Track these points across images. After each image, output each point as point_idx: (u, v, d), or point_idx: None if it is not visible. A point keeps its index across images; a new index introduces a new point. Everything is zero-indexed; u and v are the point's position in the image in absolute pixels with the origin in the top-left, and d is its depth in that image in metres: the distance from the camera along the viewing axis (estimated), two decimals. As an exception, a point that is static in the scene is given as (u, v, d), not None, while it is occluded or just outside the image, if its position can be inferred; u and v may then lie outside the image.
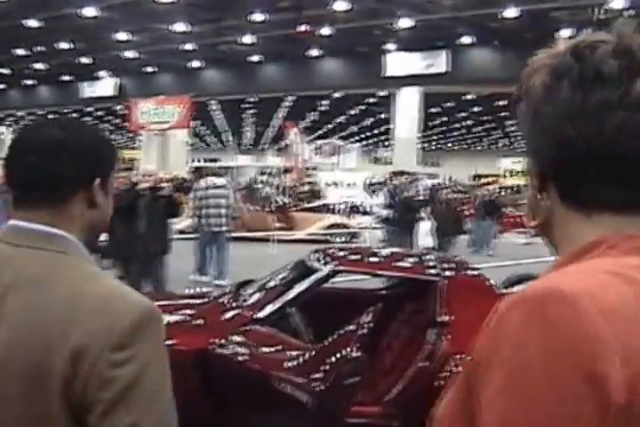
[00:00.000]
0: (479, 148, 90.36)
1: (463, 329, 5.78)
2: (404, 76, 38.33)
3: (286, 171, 39.31)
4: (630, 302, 0.97)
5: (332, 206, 29.68)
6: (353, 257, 6.79)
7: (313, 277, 6.28)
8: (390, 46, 38.13)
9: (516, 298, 0.99)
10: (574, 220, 1.14)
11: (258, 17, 31.98)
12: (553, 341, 0.93)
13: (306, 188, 33.87)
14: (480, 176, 61.39)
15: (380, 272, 6.83)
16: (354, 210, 31.60)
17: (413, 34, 34.68)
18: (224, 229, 13.89)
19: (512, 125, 68.52)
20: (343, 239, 22.86)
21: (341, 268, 6.42)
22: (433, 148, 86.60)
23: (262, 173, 39.99)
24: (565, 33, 31.03)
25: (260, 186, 34.03)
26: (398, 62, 38.38)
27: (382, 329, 6.54)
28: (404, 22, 32.77)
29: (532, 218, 1.21)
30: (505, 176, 53.15)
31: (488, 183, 34.14)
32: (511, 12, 28.50)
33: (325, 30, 34.41)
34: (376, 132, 74.05)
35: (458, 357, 5.58)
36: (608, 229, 1.11)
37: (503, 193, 34.97)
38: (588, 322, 0.93)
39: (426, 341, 5.85)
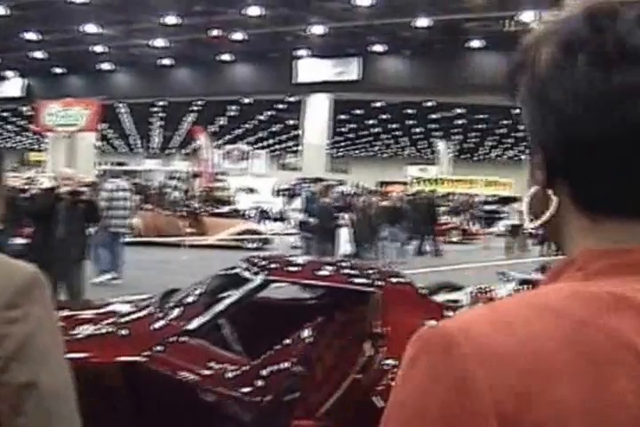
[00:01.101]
0: (386, 155, 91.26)
1: (399, 340, 5.71)
2: (315, 83, 38.38)
3: (195, 175, 39.06)
4: (533, 344, 0.84)
5: (243, 212, 29.57)
6: (285, 267, 6.64)
7: (245, 288, 6.11)
8: (302, 53, 38.16)
9: (413, 338, 0.89)
10: (578, 225, 0.97)
11: (170, 20, 31.62)
12: (420, 389, 0.85)
13: (214, 193, 33.65)
14: (386, 183, 61.93)
15: (314, 282, 6.70)
16: (264, 216, 31.53)
17: (326, 41, 34.77)
18: (123, 230, 14.33)
19: (419, 133, 69.54)
20: (255, 245, 22.73)
21: (273, 278, 6.28)
22: (341, 154, 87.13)
23: (171, 178, 39.55)
24: (476, 44, 31.55)
25: (169, 190, 33.68)
26: (310, 69, 38.43)
27: (313, 340, 6.42)
28: (317, 29, 32.83)
29: (532, 219, 1.01)
30: (412, 183, 53.70)
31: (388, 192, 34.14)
32: (423, 22, 28.76)
33: (237, 35, 34.23)
34: (284, 138, 74.18)
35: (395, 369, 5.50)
36: (606, 240, 0.94)
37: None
38: (459, 369, 0.84)
39: (361, 353, 5.74)
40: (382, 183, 63.47)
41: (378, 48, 35.37)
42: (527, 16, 26.75)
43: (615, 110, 0.88)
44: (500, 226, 33.61)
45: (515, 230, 26.91)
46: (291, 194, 38.75)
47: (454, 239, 29.15)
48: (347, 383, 5.61)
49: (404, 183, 54.48)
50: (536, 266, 14.01)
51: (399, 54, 35.61)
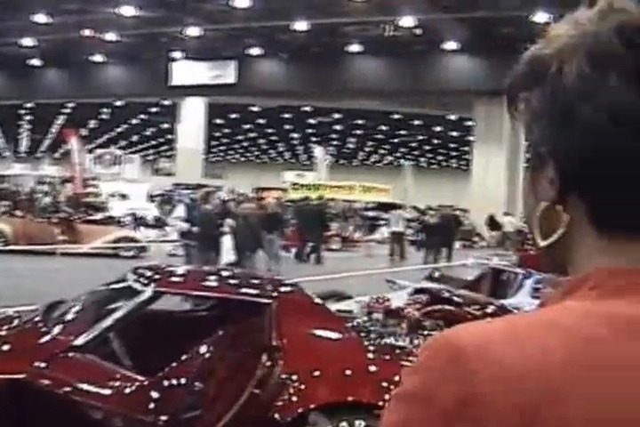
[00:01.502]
0: (263, 160, 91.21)
1: (297, 353, 5.51)
2: (190, 86, 37.92)
3: (66, 180, 38.11)
4: (542, 361, 0.83)
5: (118, 219, 28.98)
6: (177, 278, 6.35)
7: (135, 300, 5.79)
8: (177, 55, 37.62)
9: (423, 346, 0.90)
10: (591, 243, 0.94)
11: (40, 18, 30.64)
12: (419, 394, 0.85)
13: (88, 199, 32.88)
14: (263, 189, 61.84)
15: (208, 294, 6.44)
16: (140, 222, 30.96)
17: (202, 43, 34.38)
18: None
19: (296, 138, 69.70)
20: (131, 253, 22.26)
21: (165, 289, 5.98)
22: (217, 159, 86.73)
23: (41, 183, 38.48)
24: (355, 48, 31.59)
25: (39, 196, 32.74)
26: (185, 71, 37.95)
27: (208, 355, 6.15)
28: (193, 30, 32.39)
29: (541, 237, 0.97)
30: (289, 189, 53.70)
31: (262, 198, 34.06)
32: (301, 26, 28.67)
33: (110, 35, 33.49)
34: (158, 142, 73.32)
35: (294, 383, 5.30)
36: (623, 259, 0.91)
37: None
38: (464, 381, 0.83)
39: (258, 366, 5.49)
40: (259, 189, 63.29)
41: (255, 51, 35.12)
42: (406, 21, 26.99)
43: None
44: (382, 233, 33.91)
45: (396, 237, 27.13)
46: (165, 200, 38.22)
47: (334, 247, 29.09)
48: (244, 398, 5.37)
49: (282, 189, 54.55)
50: (423, 273, 14.08)
51: (277, 58, 35.47)
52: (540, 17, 26.19)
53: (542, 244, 0.97)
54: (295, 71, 34.98)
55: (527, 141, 0.99)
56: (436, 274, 13.48)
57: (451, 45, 30.98)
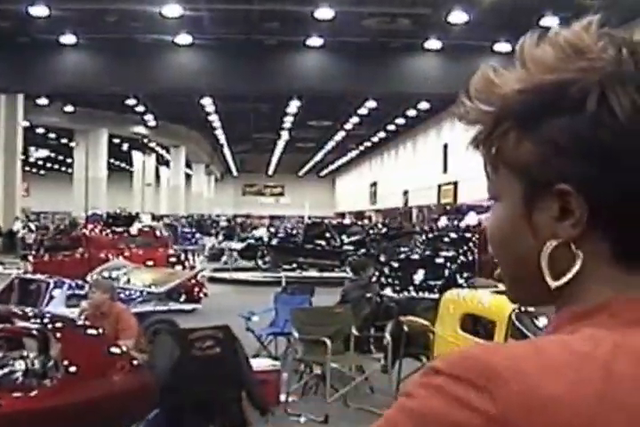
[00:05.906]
0: None
1: None
2: None
3: None
4: (577, 395, 0.80)
5: None
6: None
7: None
8: None
9: (432, 365, 0.85)
10: (605, 274, 0.91)
11: None
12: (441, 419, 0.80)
13: None
14: None
15: None
16: None
17: None
18: None
19: None
20: None
21: None
22: None
23: None
24: None
25: None
26: None
27: None
28: None
29: (552, 277, 0.91)
30: None
31: None
32: None
33: None
34: None
35: None
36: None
37: None
38: (500, 410, 0.78)
39: None
40: None
41: None
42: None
43: None
44: None
45: None
46: None
47: None
48: None
49: None
50: None
51: None
52: (38, 10, 25.05)
53: (555, 284, 0.92)
54: None
55: (527, 175, 0.92)
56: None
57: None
